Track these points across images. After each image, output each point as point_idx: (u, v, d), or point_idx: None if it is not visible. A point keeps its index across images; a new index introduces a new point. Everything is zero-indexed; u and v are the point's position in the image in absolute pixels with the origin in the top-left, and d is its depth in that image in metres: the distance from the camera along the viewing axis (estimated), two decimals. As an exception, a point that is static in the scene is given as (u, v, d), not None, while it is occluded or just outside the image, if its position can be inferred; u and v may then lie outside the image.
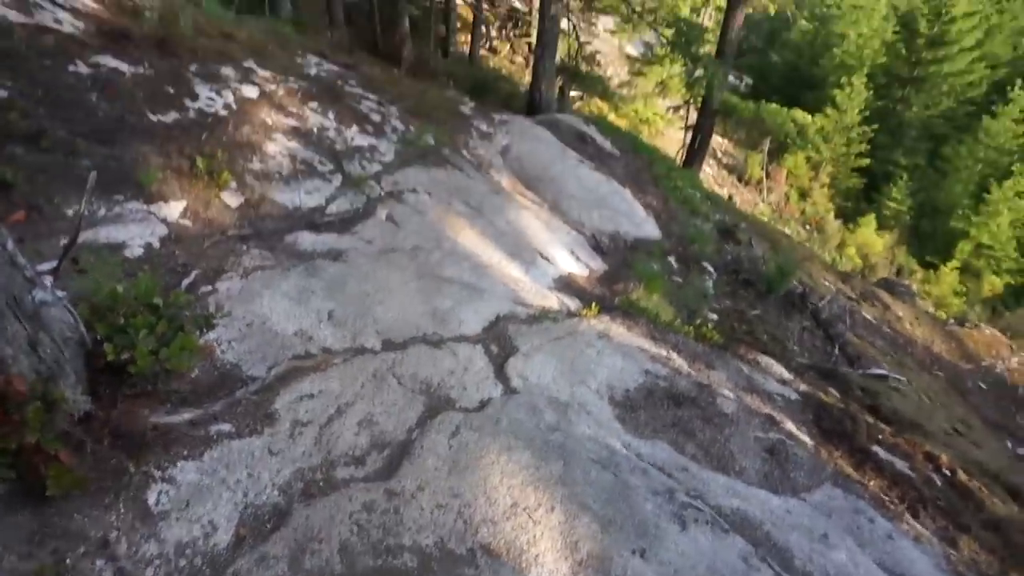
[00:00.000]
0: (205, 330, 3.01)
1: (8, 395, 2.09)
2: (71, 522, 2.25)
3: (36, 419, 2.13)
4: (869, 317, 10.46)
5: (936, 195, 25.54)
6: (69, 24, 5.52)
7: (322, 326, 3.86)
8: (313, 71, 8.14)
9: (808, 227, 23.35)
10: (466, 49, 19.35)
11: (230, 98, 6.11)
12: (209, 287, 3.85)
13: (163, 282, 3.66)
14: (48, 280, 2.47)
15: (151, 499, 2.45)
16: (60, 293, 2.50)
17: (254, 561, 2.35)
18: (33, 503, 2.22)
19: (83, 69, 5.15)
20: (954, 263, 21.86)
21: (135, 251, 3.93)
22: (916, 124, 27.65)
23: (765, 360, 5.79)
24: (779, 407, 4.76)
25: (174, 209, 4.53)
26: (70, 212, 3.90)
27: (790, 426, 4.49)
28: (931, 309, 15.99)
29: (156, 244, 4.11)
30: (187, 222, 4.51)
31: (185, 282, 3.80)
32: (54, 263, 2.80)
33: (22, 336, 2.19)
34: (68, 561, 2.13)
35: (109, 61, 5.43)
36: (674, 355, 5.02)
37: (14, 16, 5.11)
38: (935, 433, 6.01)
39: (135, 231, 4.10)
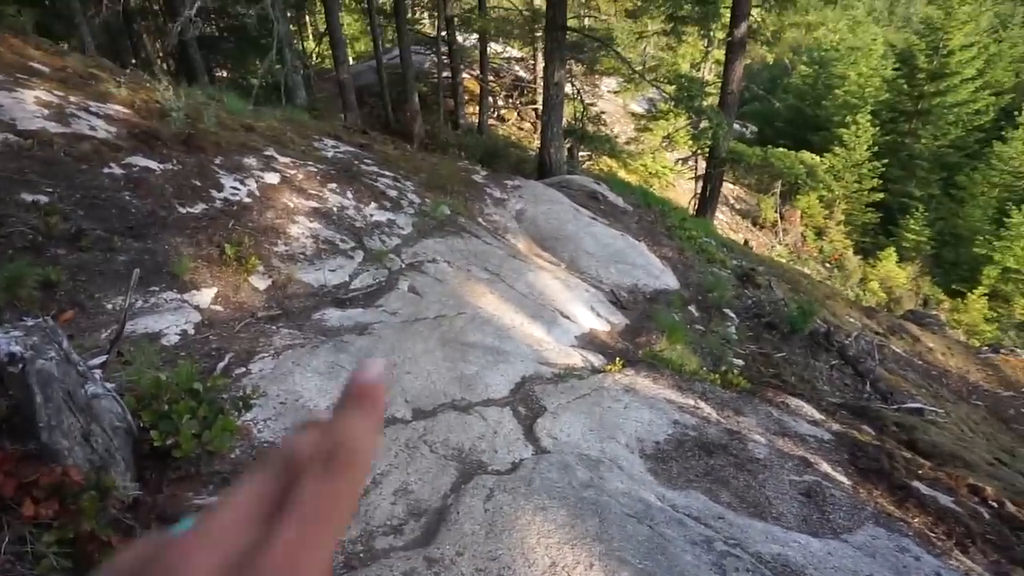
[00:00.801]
0: (243, 411, 3.13)
1: (65, 486, 2.21)
2: (125, 607, 2.32)
3: (91, 508, 2.24)
4: (899, 351, 10.35)
5: (955, 223, 25.40)
6: (103, 130, 5.89)
7: (353, 399, 3.96)
8: (330, 153, 8.50)
9: (828, 265, 23.26)
10: (475, 120, 19.98)
11: (253, 186, 6.41)
12: (243, 368, 3.99)
13: (200, 366, 3.81)
14: (98, 373, 2.62)
15: (199, 580, 2.52)
16: (108, 385, 2.64)
17: (302, 636, 2.39)
18: (88, 591, 2.31)
19: (117, 170, 5.47)
20: (981, 289, 21.54)
21: (172, 339, 4.11)
22: (927, 155, 27.77)
23: (795, 402, 5.77)
24: (812, 448, 4.73)
25: (206, 296, 4.73)
26: (110, 306, 4.10)
27: (825, 467, 4.46)
28: (963, 338, 15.72)
29: (191, 331, 4.28)
30: (219, 307, 4.70)
31: (220, 365, 3.94)
32: (101, 358, 2.95)
33: (77, 428, 2.32)
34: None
35: (140, 161, 5.76)
36: (702, 404, 5.04)
37: (53, 127, 5.48)
38: (978, 464, 5.88)
39: (171, 320, 4.28)
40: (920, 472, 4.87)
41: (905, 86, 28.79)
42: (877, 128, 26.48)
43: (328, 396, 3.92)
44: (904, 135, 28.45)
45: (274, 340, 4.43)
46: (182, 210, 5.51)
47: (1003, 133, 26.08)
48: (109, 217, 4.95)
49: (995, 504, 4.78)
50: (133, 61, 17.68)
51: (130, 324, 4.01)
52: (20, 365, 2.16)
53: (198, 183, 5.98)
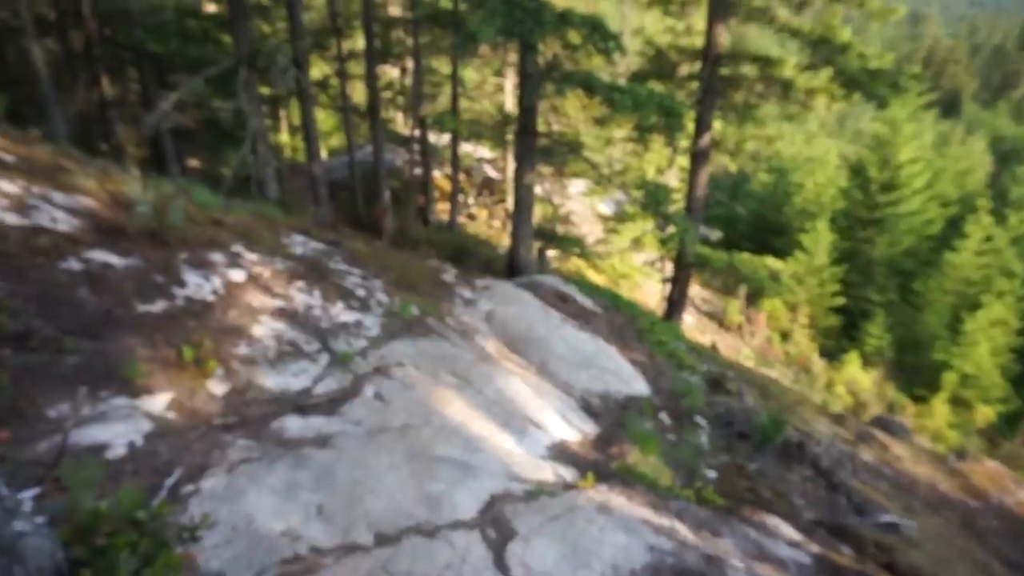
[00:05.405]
0: (190, 543, 2.86)
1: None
2: None
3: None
4: (869, 460, 10.28)
5: (914, 328, 26.08)
6: (65, 223, 5.72)
7: (311, 523, 3.69)
8: (299, 250, 8.39)
9: (794, 368, 23.47)
10: (445, 217, 20.25)
11: (217, 283, 6.23)
12: (192, 486, 3.70)
13: (146, 483, 3.53)
14: (29, 506, 2.37)
15: None
16: (39, 519, 2.38)
17: None
18: None
19: (75, 265, 5.27)
20: (943, 395, 21.87)
21: (118, 451, 3.81)
22: (883, 262, 28.87)
23: (772, 521, 5.58)
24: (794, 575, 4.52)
25: (159, 402, 4.46)
26: (53, 414, 3.82)
27: (809, 598, 4.25)
28: (928, 444, 15.77)
29: (140, 441, 3.99)
30: (172, 415, 4.42)
31: (168, 482, 3.65)
32: (35, 490, 2.70)
33: (-5, 574, 2.06)
34: None
35: (101, 256, 5.57)
36: (678, 524, 4.83)
37: (11, 218, 5.29)
38: (959, 590, 5.71)
39: (119, 429, 4.00)
40: (904, 601, 4.67)
41: (860, 195, 30.26)
42: (836, 235, 27.54)
43: (283, 518, 3.64)
44: (861, 242, 29.64)
45: (229, 453, 4.15)
46: (141, 308, 5.29)
47: (953, 243, 27.30)
48: (62, 315, 4.72)
49: (982, 637, 4.59)
50: (104, 147, 17.71)
51: (75, 435, 3.72)
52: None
53: (160, 280, 5.79)
